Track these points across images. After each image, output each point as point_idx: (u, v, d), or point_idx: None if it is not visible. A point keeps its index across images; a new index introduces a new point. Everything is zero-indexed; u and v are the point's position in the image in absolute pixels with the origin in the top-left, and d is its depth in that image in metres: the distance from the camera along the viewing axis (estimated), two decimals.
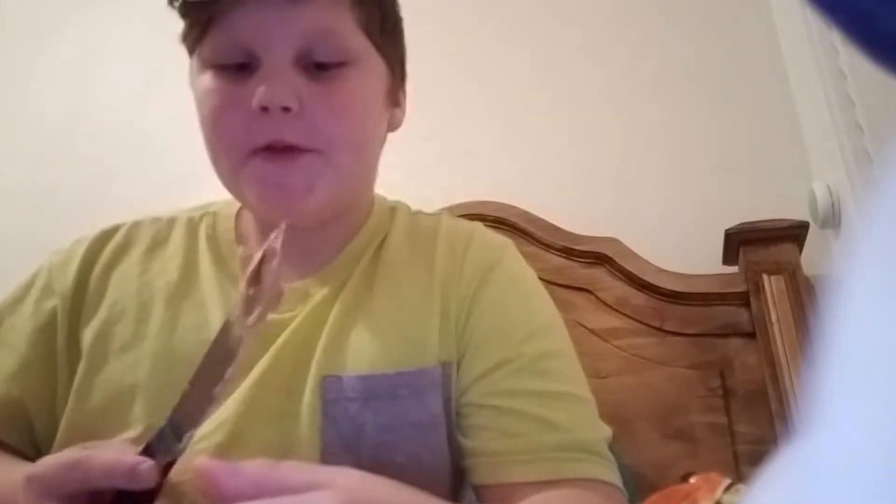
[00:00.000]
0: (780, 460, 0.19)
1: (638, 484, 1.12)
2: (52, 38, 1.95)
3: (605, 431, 0.63)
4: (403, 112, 0.72)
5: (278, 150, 0.60)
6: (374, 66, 0.65)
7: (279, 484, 0.41)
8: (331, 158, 0.62)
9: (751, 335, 1.27)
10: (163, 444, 0.47)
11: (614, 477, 0.61)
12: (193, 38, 0.63)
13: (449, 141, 1.62)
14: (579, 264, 1.39)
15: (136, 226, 0.73)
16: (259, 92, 0.59)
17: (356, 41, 0.63)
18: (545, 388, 0.62)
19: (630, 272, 1.35)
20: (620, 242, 1.38)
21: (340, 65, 0.62)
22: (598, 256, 1.38)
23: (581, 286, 1.37)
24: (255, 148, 0.61)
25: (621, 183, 1.52)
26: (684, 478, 1.07)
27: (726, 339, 1.29)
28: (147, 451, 0.47)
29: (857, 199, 1.20)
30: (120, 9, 1.92)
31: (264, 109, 0.59)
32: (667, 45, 1.60)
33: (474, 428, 0.62)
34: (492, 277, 0.67)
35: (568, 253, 1.40)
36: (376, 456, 0.59)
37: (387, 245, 0.70)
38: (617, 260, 1.37)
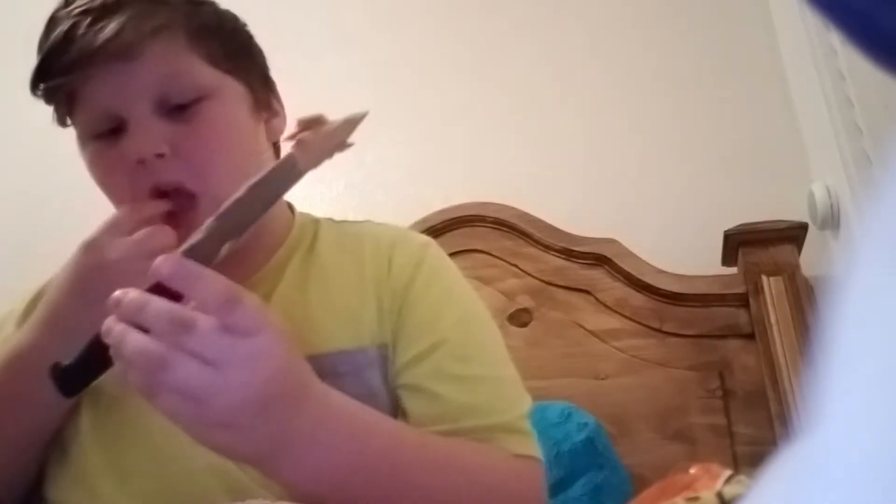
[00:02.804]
0: (780, 461, 0.19)
1: (638, 485, 1.12)
2: None
3: (525, 405, 0.70)
4: (284, 119, 0.77)
5: (168, 192, 0.66)
6: (230, 92, 0.70)
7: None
8: (208, 194, 0.66)
9: (750, 336, 1.27)
10: (203, 248, 0.52)
11: (531, 448, 0.67)
12: (62, 118, 0.70)
13: (449, 141, 1.62)
14: (579, 265, 1.39)
15: None
16: (130, 147, 0.65)
17: (205, 75, 0.68)
18: (468, 372, 0.69)
19: (629, 273, 1.35)
20: (620, 243, 1.38)
21: (198, 100, 0.67)
22: (598, 257, 1.38)
23: (580, 287, 1.37)
24: (145, 198, 0.66)
25: (621, 184, 1.51)
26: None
27: (725, 340, 1.29)
28: (189, 252, 0.52)
29: (856, 200, 1.20)
30: None
31: (141, 162, 0.65)
32: (666, 46, 1.59)
33: (405, 410, 0.69)
34: (418, 274, 0.73)
35: (567, 254, 1.40)
36: None
37: (316, 251, 0.76)
38: (616, 261, 1.36)
